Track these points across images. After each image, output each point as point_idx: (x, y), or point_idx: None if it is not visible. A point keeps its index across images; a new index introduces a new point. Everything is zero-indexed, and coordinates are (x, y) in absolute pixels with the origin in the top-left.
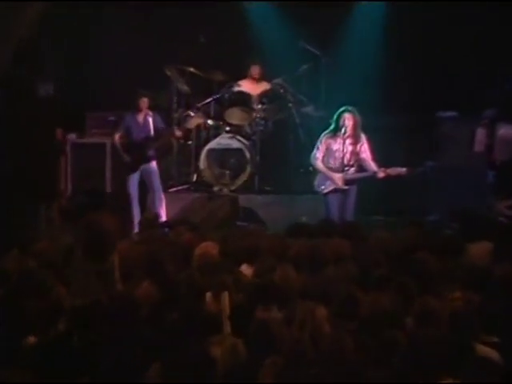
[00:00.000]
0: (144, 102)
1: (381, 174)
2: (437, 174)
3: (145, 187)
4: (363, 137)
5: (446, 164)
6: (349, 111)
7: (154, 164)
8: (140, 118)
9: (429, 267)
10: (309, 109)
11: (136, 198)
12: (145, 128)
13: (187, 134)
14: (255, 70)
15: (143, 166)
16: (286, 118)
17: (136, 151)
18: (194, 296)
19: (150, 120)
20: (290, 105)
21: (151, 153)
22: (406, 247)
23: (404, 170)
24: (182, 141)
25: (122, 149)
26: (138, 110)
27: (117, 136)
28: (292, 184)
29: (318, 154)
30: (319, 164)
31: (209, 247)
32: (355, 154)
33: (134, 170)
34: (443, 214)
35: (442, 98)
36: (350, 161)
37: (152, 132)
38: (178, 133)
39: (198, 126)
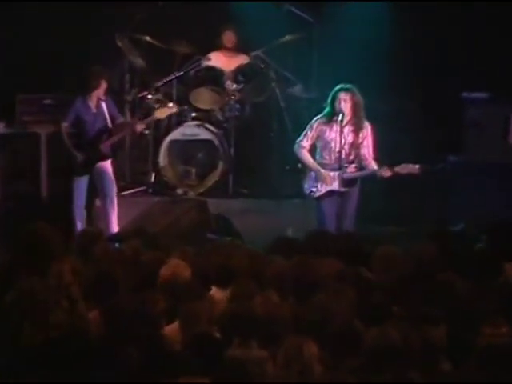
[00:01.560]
0: (103, 84)
1: (387, 173)
2: (461, 173)
3: (91, 191)
4: (367, 124)
5: (472, 159)
6: (347, 90)
7: (108, 163)
8: (92, 103)
9: (455, 292)
10: (296, 89)
11: (82, 205)
12: (99, 117)
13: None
14: (228, 39)
15: (96, 166)
16: (268, 100)
17: (89, 147)
18: (152, 326)
19: (104, 106)
20: (273, 84)
21: (106, 149)
22: (423, 266)
23: (417, 167)
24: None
25: (72, 144)
26: (91, 92)
27: (64, 126)
28: (275, 186)
29: (306, 142)
30: (305, 155)
31: (179, 267)
32: (356, 146)
33: (85, 171)
34: (469, 223)
35: (468, 75)
36: (349, 155)
37: (108, 122)
38: (140, 126)
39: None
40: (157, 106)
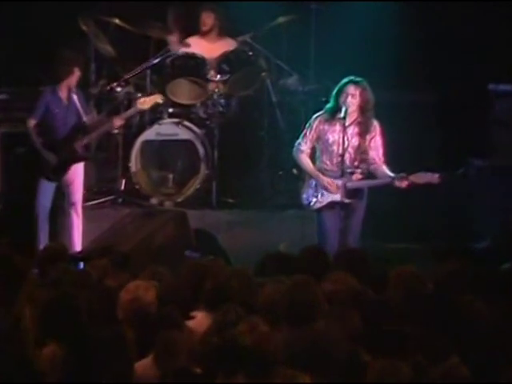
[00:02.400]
0: (76, 72)
1: (401, 183)
2: (487, 180)
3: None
4: (375, 123)
5: (500, 163)
6: (357, 83)
7: (81, 166)
8: (63, 95)
9: (481, 319)
10: (291, 80)
11: (47, 215)
12: (70, 111)
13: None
14: (206, 21)
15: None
16: (258, 94)
17: (62, 146)
18: (122, 362)
19: (76, 99)
20: (264, 74)
21: (81, 149)
22: (443, 288)
23: (436, 176)
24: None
25: (41, 143)
26: (61, 82)
27: (32, 123)
28: (267, 194)
29: (304, 145)
30: (305, 161)
31: (141, 289)
32: (362, 149)
33: (58, 175)
34: (497, 238)
35: (495, 64)
36: (354, 160)
37: (82, 117)
38: (119, 122)
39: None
40: (139, 94)
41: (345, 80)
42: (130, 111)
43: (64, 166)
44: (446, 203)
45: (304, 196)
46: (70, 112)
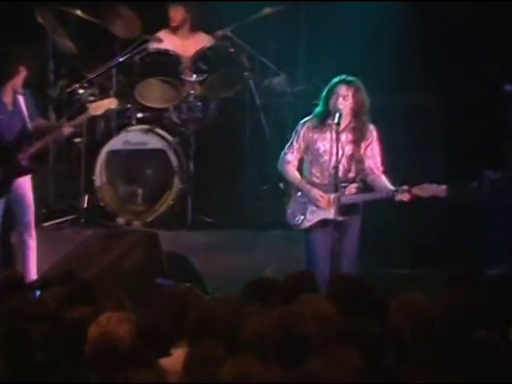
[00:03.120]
0: (22, 71)
1: (403, 197)
2: (502, 194)
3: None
4: (371, 128)
5: None
6: (349, 83)
7: (28, 180)
8: (7, 98)
9: (498, 356)
10: (278, 80)
11: None
12: (15, 117)
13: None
14: (176, 16)
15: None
16: (240, 96)
17: (5, 158)
18: None
19: (22, 102)
20: (246, 73)
21: (25, 161)
22: (452, 319)
23: (443, 188)
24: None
25: None
26: (6, 83)
27: None
28: (249, 212)
29: (291, 155)
30: (292, 173)
31: (112, 322)
32: (358, 158)
33: (1, 190)
34: None
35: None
36: (348, 171)
37: (28, 124)
38: (69, 129)
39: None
40: (91, 98)
41: (335, 80)
42: (81, 117)
43: (7, 181)
44: (455, 221)
45: (290, 213)
46: (15, 118)
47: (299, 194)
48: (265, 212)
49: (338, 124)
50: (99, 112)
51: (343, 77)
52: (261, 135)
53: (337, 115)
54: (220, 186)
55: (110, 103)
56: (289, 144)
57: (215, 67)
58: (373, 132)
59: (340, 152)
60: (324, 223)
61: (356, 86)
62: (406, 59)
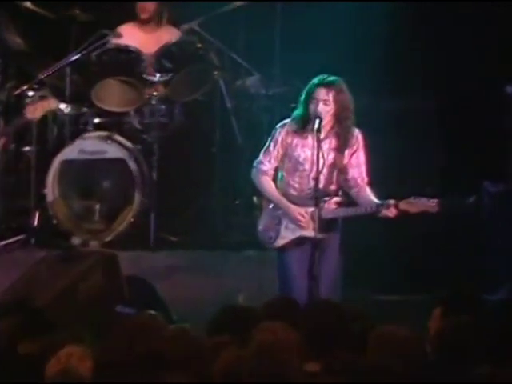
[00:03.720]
0: None
1: (389, 211)
2: (503, 209)
3: None
4: (358, 135)
5: None
6: (329, 84)
7: None
8: None
9: None
10: (252, 81)
11: None
12: None
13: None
14: (143, 7)
15: None
16: (208, 98)
17: None
18: None
19: None
20: (216, 73)
21: None
22: (446, 354)
23: (434, 202)
24: (7, 148)
25: None
26: None
27: None
28: (219, 230)
29: (267, 164)
30: (268, 185)
31: (74, 358)
32: (341, 168)
33: None
34: None
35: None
36: (330, 182)
37: None
38: (2, 139)
39: (46, 116)
40: (28, 100)
41: (313, 81)
42: (16, 122)
43: None
44: (451, 240)
45: (261, 229)
46: None
47: (271, 205)
48: (237, 230)
49: (319, 131)
50: (37, 115)
51: (322, 78)
52: (232, 142)
53: (317, 121)
54: (186, 201)
55: (49, 104)
56: (264, 151)
57: (181, 65)
58: (358, 138)
59: (321, 161)
60: (301, 241)
61: (337, 87)
62: (397, 58)
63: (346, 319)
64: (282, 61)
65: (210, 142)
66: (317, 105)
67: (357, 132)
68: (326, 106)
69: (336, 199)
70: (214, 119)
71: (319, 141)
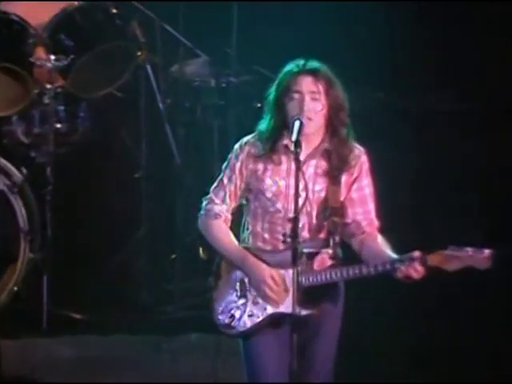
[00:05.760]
0: None
1: (412, 270)
2: None
3: None
4: (360, 155)
5: None
6: (315, 71)
7: None
8: None
9: None
10: (195, 66)
11: None
12: None
13: None
14: None
15: None
16: (129, 94)
17: None
18: None
19: None
20: (140, 54)
21: None
22: None
23: (486, 254)
24: None
25: None
26: None
27: None
28: (147, 301)
29: (221, 204)
30: (222, 234)
31: None
32: (334, 204)
33: None
34: None
35: None
36: (317, 227)
37: None
38: None
39: None
40: None
41: (289, 68)
42: None
43: None
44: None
45: (216, 307)
46: None
47: (232, 270)
48: (172, 300)
49: (297, 144)
50: None
51: (302, 62)
52: (165, 163)
53: (296, 125)
54: (96, 256)
55: None
56: (216, 184)
57: (88, 43)
58: (361, 158)
59: (303, 194)
60: (275, 320)
61: (325, 76)
62: (405, 39)
63: None
64: (239, 39)
65: (132, 163)
66: (299, 100)
67: (359, 150)
68: (314, 101)
69: (328, 254)
70: (137, 127)
71: (299, 160)
